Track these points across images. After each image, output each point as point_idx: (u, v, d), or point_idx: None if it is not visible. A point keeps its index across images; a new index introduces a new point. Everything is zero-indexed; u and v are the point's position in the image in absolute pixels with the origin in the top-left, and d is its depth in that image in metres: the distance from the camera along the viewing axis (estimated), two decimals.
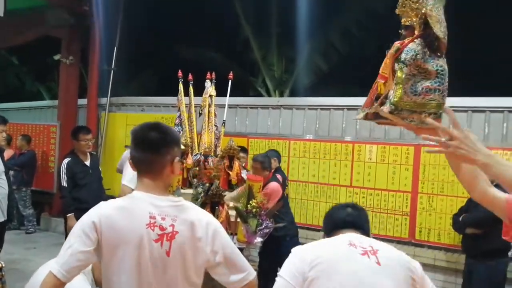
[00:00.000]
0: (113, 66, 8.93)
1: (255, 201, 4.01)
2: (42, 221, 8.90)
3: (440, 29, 1.73)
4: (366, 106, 1.94)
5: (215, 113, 5.11)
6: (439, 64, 1.78)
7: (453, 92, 2.01)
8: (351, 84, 11.27)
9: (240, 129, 7.35)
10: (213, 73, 5.23)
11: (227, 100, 5.53)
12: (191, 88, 5.17)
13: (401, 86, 1.74)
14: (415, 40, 1.77)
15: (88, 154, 5.62)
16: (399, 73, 1.75)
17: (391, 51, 1.82)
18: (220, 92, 5.43)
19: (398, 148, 6.05)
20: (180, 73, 5.13)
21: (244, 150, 5.94)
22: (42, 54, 12.03)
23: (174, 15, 11.13)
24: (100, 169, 6.00)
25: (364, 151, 6.28)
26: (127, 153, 6.99)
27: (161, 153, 1.91)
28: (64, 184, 5.19)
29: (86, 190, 5.37)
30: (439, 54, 1.78)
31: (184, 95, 5.13)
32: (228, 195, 4.35)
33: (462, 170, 1.75)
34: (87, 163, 5.58)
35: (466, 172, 1.74)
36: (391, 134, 6.24)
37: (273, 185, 4.94)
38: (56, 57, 8.81)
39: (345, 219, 2.21)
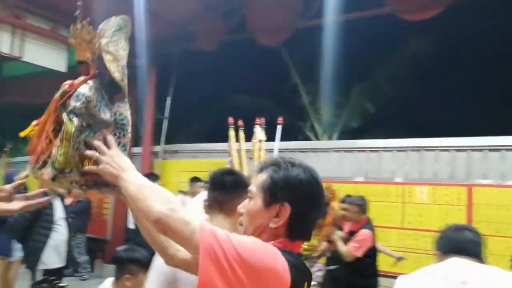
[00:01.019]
0: (166, 115, 9.33)
1: (307, 244, 4.05)
2: (95, 268, 9.14)
3: (117, 68, 1.43)
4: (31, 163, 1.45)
5: (265, 157, 5.24)
6: (119, 111, 1.49)
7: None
8: (399, 125, 11.22)
9: None
10: (262, 119, 5.41)
11: (277, 144, 5.68)
12: (241, 134, 5.36)
13: (69, 142, 1.35)
14: (88, 81, 1.42)
15: None
16: (68, 126, 1.36)
17: (56, 95, 1.43)
18: (270, 137, 5.59)
19: (449, 189, 5.95)
20: (230, 120, 5.34)
21: None
22: None
23: (224, 65, 11.56)
24: None
25: (415, 192, 6.19)
26: (180, 198, 7.20)
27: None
28: (131, 226, 5.33)
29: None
30: (118, 99, 1.49)
31: (235, 141, 5.32)
32: None
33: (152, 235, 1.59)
34: None
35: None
36: (441, 175, 6.15)
37: (366, 232, 4.59)
38: None
39: (463, 244, 2.19)
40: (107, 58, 1.40)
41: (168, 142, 9.48)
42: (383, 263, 6.21)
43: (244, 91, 11.94)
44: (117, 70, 1.42)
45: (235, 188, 1.86)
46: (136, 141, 9.70)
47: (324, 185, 1.25)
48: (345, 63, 9.57)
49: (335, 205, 4.55)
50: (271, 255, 1.16)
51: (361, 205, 4.74)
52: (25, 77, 10.40)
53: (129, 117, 1.53)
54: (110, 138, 1.43)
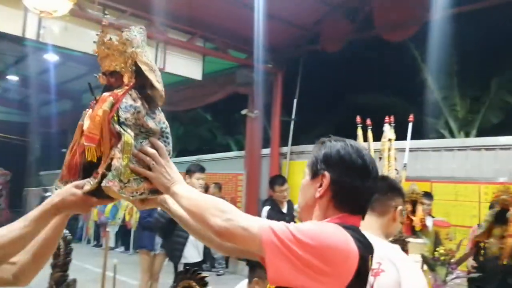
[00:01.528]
0: (293, 117, 9.49)
1: (443, 248, 3.82)
2: (230, 264, 9.58)
3: (156, 78, 1.45)
4: (67, 178, 1.43)
5: (395, 157, 5.06)
6: (162, 120, 1.52)
7: None
8: None
9: (422, 173, 7.08)
10: (392, 117, 5.23)
11: (408, 143, 5.44)
12: (369, 133, 5.23)
13: (129, 154, 1.37)
14: (129, 92, 1.40)
15: (284, 201, 5.88)
16: (126, 138, 1.35)
17: (104, 107, 1.36)
18: (399, 136, 5.37)
19: None
20: (358, 119, 5.24)
21: (428, 195, 5.69)
22: (231, 110, 13.33)
23: (350, 64, 11.41)
24: (294, 214, 6.19)
25: None
26: None
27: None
28: None
29: None
30: (155, 107, 1.50)
31: (363, 141, 5.20)
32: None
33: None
34: (284, 210, 5.85)
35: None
36: None
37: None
38: (243, 111, 9.70)
39: None
40: (144, 68, 1.42)
41: (295, 143, 9.62)
42: None
43: (371, 89, 11.64)
44: (156, 80, 1.46)
45: (386, 190, 2.04)
46: (264, 143, 10.01)
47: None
48: (481, 54, 8.86)
49: (419, 206, 4.31)
50: (333, 233, 1.23)
51: None
52: (167, 86, 11.33)
53: (168, 126, 1.56)
54: (162, 147, 1.48)
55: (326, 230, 1.24)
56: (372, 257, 1.33)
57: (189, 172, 5.19)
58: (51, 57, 11.26)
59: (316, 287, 1.19)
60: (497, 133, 8.42)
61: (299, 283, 1.19)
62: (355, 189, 1.35)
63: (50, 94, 14.69)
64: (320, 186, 1.37)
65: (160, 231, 5.20)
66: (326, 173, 1.36)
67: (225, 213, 1.29)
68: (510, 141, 6.39)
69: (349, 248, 1.22)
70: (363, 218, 1.39)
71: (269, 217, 5.51)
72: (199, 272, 2.31)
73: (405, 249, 3.99)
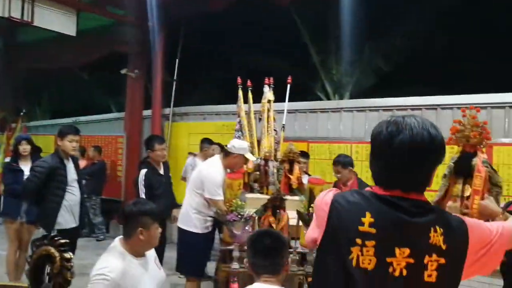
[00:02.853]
0: (175, 78, 9.25)
1: None
2: (111, 229, 9.30)
3: None
4: None
5: (274, 118, 5.16)
6: None
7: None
8: (414, 83, 10.96)
9: (299, 134, 7.35)
10: (271, 78, 5.29)
11: (286, 105, 5.57)
12: (250, 94, 5.27)
13: None
14: None
15: (161, 163, 5.72)
16: None
17: None
18: (279, 98, 5.48)
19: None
20: (239, 80, 5.24)
21: (304, 154, 5.93)
22: (110, 69, 12.65)
23: (232, 25, 11.33)
24: (170, 175, 6.07)
25: None
26: (191, 160, 7.20)
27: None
28: (142, 195, 5.32)
29: (161, 200, 5.40)
30: None
31: (244, 102, 5.23)
32: None
33: None
34: (161, 172, 5.71)
35: None
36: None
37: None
38: (123, 71, 9.23)
39: None
40: None
41: (177, 104, 9.42)
42: None
43: (254, 51, 11.72)
44: None
45: None
46: (146, 104, 9.67)
47: None
48: (357, 20, 9.29)
49: (296, 165, 4.77)
50: (322, 193, 1.55)
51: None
52: (39, 42, 10.37)
53: None
54: None
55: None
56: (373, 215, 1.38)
57: (61, 134, 4.83)
58: None
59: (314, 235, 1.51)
60: (369, 96, 9.00)
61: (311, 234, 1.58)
62: (379, 165, 1.49)
63: None
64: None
65: (29, 197, 4.83)
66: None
67: None
68: (379, 103, 6.83)
69: (324, 200, 1.47)
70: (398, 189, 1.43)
71: (148, 179, 5.37)
72: (58, 238, 2.13)
73: (282, 206, 4.13)
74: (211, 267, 5.82)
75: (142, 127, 9.44)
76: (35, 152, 5.92)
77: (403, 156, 1.39)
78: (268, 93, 5.17)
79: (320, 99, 10.36)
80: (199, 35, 10.93)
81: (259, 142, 5.08)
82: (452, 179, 3.07)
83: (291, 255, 3.92)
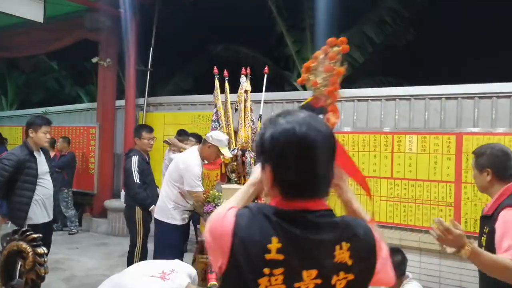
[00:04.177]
0: (149, 67, 9.06)
1: None
2: (83, 222, 9.12)
3: None
4: None
5: (251, 108, 5.10)
6: None
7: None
8: (388, 74, 11.08)
9: None
10: (248, 69, 5.23)
11: (263, 95, 5.52)
12: (226, 84, 5.18)
13: None
14: None
15: (149, 151, 5.68)
16: None
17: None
18: (256, 88, 5.42)
19: (439, 138, 5.88)
20: (215, 70, 5.15)
21: None
22: (81, 58, 12.35)
23: (207, 14, 11.20)
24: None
25: (404, 141, 6.13)
26: (169, 153, 7.07)
27: None
28: (137, 180, 5.24)
29: (151, 188, 5.46)
30: None
31: (220, 92, 5.15)
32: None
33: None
34: (148, 161, 5.66)
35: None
36: (431, 123, 6.08)
37: None
38: (94, 60, 8.99)
39: None
40: None
41: (152, 94, 9.26)
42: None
43: (230, 41, 11.62)
44: None
45: None
46: (119, 94, 9.46)
47: None
48: (332, 9, 9.29)
49: None
50: (215, 217, 1.33)
51: None
52: (4, 28, 9.95)
53: None
54: None
55: (215, 212, 1.35)
56: (282, 240, 1.23)
57: (33, 126, 4.66)
58: None
59: (215, 264, 1.31)
60: (344, 86, 9.01)
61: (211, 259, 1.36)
62: (289, 176, 1.29)
63: None
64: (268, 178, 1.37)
65: None
66: (268, 166, 1.32)
67: None
68: (354, 93, 6.82)
69: (224, 225, 1.27)
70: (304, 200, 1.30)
71: (140, 166, 5.30)
72: (29, 232, 2.02)
73: (259, 196, 4.08)
74: (187, 259, 5.76)
75: (115, 118, 9.24)
76: (0, 143, 5.71)
77: (303, 157, 1.26)
78: (245, 83, 5.10)
79: (297, 89, 10.34)
80: (174, 24, 10.76)
81: (236, 132, 5.02)
82: None
83: None
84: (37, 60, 13.92)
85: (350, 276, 1.29)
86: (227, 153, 4.65)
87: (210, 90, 5.36)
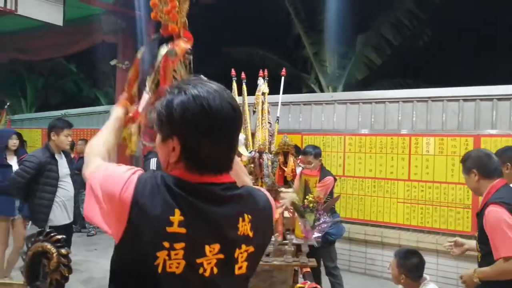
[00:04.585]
0: None
1: (312, 195, 3.97)
2: None
3: None
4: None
5: (268, 110, 5.11)
6: None
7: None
8: (406, 76, 11.00)
9: (293, 126, 7.32)
10: (266, 71, 5.24)
11: (280, 97, 5.52)
12: (244, 87, 5.20)
13: None
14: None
15: None
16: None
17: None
18: (273, 91, 5.42)
19: (457, 139, 5.84)
20: (233, 72, 5.17)
21: (297, 149, 5.90)
22: (99, 60, 12.49)
23: (224, 16, 11.25)
24: None
25: (422, 143, 6.09)
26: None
27: None
28: None
29: None
30: None
31: (238, 94, 5.16)
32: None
33: None
34: None
35: None
36: (449, 125, 6.03)
37: (331, 178, 5.07)
38: (112, 62, 9.10)
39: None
40: None
41: None
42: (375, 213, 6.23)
43: (247, 43, 11.65)
44: None
45: None
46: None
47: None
48: (350, 11, 9.27)
49: (291, 157, 4.67)
50: (113, 179, 1.20)
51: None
52: (24, 32, 10.14)
53: None
54: None
55: (111, 177, 1.22)
56: (184, 211, 1.16)
57: (55, 128, 4.72)
58: None
59: (106, 228, 1.20)
60: (362, 88, 9.00)
61: (97, 220, 1.21)
62: (202, 149, 1.20)
63: None
64: (173, 150, 1.22)
65: (19, 193, 4.72)
66: (176, 139, 1.21)
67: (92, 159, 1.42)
68: (372, 95, 6.82)
69: (122, 194, 1.16)
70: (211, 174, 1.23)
71: (158, 168, 5.33)
72: (54, 234, 2.06)
73: (277, 198, 4.10)
74: None
75: None
76: (20, 146, 5.78)
77: (217, 130, 1.20)
78: (263, 86, 5.09)
79: (314, 91, 10.33)
80: (190, 26, 10.81)
81: (253, 134, 5.03)
82: None
83: (286, 247, 3.92)
84: (55, 63, 14.11)
85: (251, 249, 1.26)
86: (245, 152, 4.66)
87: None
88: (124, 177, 1.19)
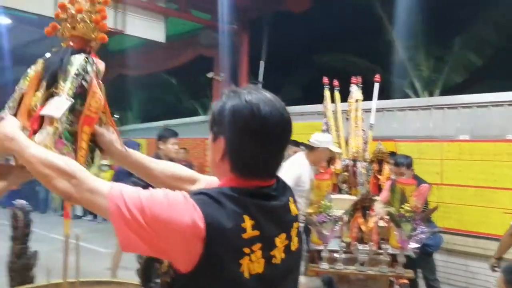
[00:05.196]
0: (260, 79, 9.40)
1: (408, 205, 3.90)
2: None
3: None
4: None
5: (362, 117, 5.10)
6: None
7: None
8: (509, 77, 10.29)
9: (386, 133, 7.16)
10: (359, 77, 5.24)
11: (374, 103, 5.47)
12: (336, 94, 5.24)
13: None
14: None
15: None
16: None
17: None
18: (365, 96, 5.40)
19: None
20: (325, 80, 5.23)
21: (393, 155, 5.79)
22: (196, 73, 13.11)
23: (315, 24, 11.31)
24: None
25: None
26: None
27: None
28: None
29: None
30: None
31: (330, 102, 5.22)
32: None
33: None
34: None
35: None
36: None
37: (427, 186, 4.77)
38: (209, 75, 9.54)
39: None
40: None
41: None
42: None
43: (338, 50, 11.61)
44: None
45: None
46: None
47: None
48: (445, 12, 8.91)
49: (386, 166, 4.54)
50: (177, 209, 1.13)
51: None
52: (129, 49, 11.00)
53: None
54: None
55: (172, 206, 1.14)
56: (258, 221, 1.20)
57: (162, 138, 5.06)
58: (3, 20, 10.68)
59: (167, 260, 1.20)
60: (460, 92, 8.59)
61: (147, 252, 1.18)
62: (247, 152, 1.23)
63: (4, 60, 14.07)
64: (220, 150, 1.26)
65: None
66: (221, 138, 1.24)
67: (74, 175, 1.21)
68: (472, 99, 6.50)
69: (192, 224, 1.12)
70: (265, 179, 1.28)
71: None
72: None
73: (372, 207, 4.08)
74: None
75: None
76: None
77: (265, 135, 1.22)
78: (356, 93, 5.12)
79: (409, 97, 10.03)
80: (284, 36, 11.02)
81: (346, 142, 5.05)
82: None
83: (381, 257, 3.88)
84: (157, 76, 15.03)
85: (297, 224, 1.34)
86: (336, 149, 4.71)
87: (319, 100, 5.45)
88: (183, 203, 1.15)
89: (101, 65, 1.52)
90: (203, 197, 1.18)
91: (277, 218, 1.27)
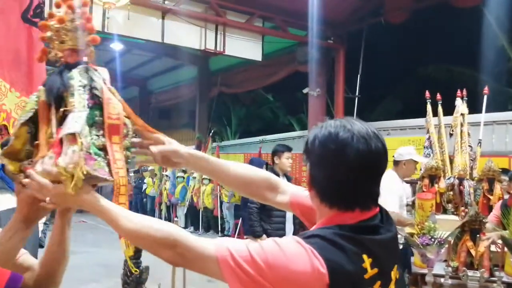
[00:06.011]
0: (357, 93, 9.21)
1: None
2: None
3: None
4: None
5: (468, 132, 4.77)
6: None
7: None
8: None
9: (499, 148, 6.64)
10: (464, 90, 4.92)
11: (483, 117, 5.10)
12: (440, 108, 4.96)
13: None
14: None
15: None
16: None
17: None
18: (472, 109, 5.05)
19: None
20: (427, 94, 4.98)
21: (507, 172, 5.32)
22: (292, 89, 13.22)
23: (415, 35, 10.89)
24: None
25: None
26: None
27: None
28: None
29: None
30: None
31: (433, 116, 4.94)
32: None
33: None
34: None
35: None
36: None
37: None
38: (305, 90, 9.55)
39: None
40: None
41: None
42: None
43: (440, 61, 11.05)
44: None
45: None
46: None
47: None
48: None
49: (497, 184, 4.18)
50: (292, 259, 1.08)
51: None
52: (228, 68, 11.41)
53: None
54: None
55: (289, 257, 1.09)
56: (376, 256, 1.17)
57: (277, 153, 5.15)
58: (117, 46, 11.62)
59: None
60: None
61: None
62: (335, 181, 1.18)
63: (117, 81, 15.31)
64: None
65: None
66: (309, 168, 1.23)
67: (175, 244, 1.17)
68: None
69: (314, 273, 1.08)
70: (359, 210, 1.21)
71: None
72: None
73: (482, 230, 3.76)
74: None
75: None
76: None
77: (375, 168, 1.19)
78: (461, 106, 4.80)
79: None
80: (381, 48, 10.74)
81: (451, 159, 4.74)
82: None
83: (494, 285, 3.55)
84: (255, 93, 15.39)
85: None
86: (420, 159, 4.51)
87: (420, 113, 5.20)
88: (300, 251, 1.11)
89: (104, 71, 1.44)
90: (318, 240, 1.13)
91: (390, 251, 1.24)
